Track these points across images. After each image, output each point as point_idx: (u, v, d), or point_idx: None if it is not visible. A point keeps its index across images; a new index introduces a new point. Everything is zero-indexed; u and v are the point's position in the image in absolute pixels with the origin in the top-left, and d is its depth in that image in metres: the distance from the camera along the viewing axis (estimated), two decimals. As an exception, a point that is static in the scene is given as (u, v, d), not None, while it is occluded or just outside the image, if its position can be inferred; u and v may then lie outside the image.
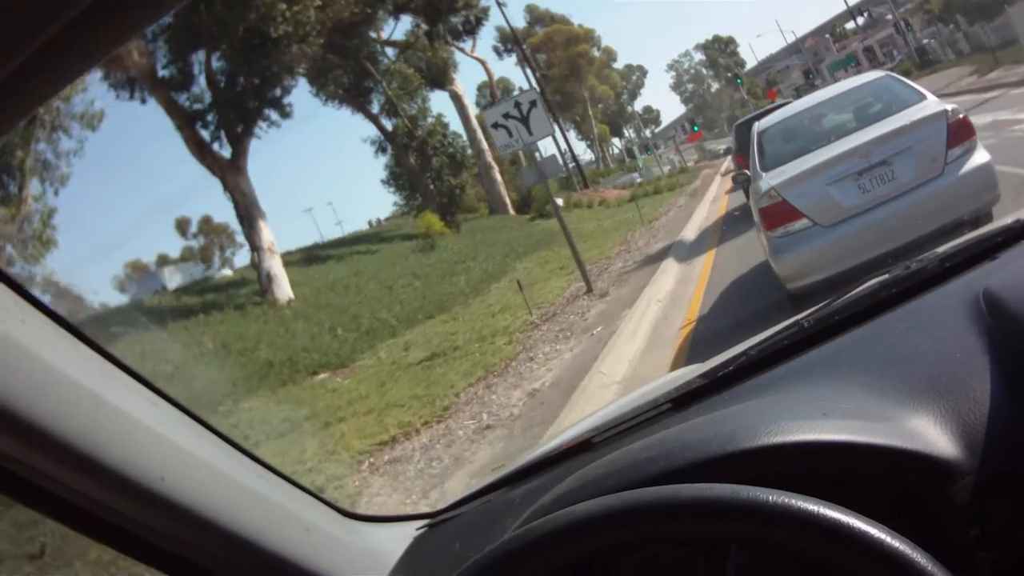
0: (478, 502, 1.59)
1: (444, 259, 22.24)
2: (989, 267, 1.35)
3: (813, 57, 74.91)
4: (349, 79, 29.30)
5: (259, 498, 1.26)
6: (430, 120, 30.44)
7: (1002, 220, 1.53)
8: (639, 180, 47.07)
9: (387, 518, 1.71)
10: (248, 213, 20.11)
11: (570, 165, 49.40)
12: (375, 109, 30.65)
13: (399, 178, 35.38)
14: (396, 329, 15.29)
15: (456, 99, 33.77)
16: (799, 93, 43.71)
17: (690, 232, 16.03)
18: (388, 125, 30.81)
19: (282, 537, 1.25)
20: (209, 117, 21.23)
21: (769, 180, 6.41)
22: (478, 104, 54.43)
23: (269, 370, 13.62)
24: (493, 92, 46.79)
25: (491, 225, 29.92)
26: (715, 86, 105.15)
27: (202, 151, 20.73)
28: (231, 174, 20.49)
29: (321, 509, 1.45)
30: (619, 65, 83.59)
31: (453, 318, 14.58)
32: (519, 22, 65.63)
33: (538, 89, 43.68)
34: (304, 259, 26.95)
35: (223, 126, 20.98)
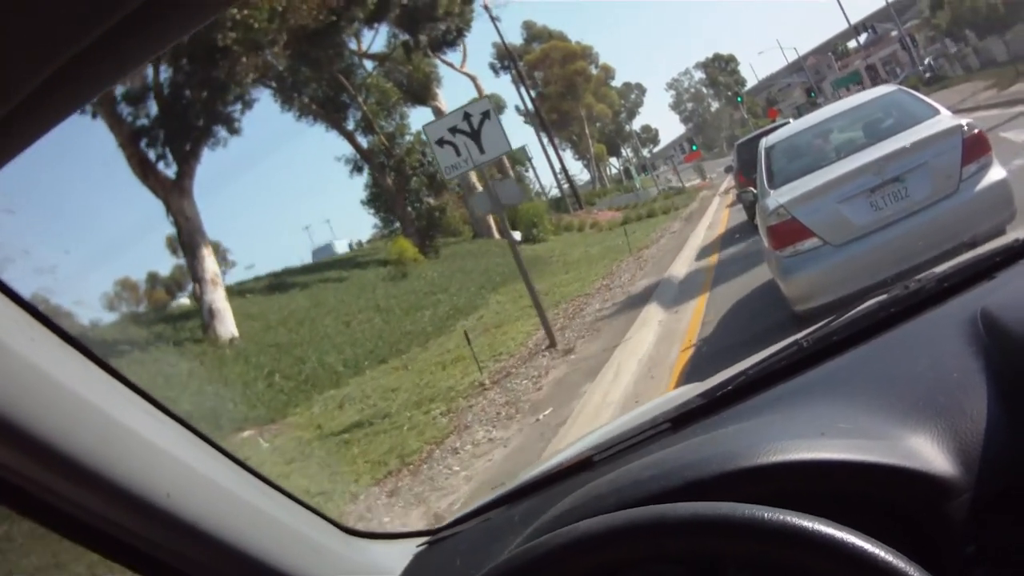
0: (478, 520, 1.57)
1: (414, 290, 20.22)
2: (987, 287, 1.35)
3: (815, 75, 73.57)
4: (322, 93, 27.35)
5: (262, 514, 1.26)
6: (409, 138, 28.35)
7: (1000, 240, 1.54)
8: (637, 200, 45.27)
9: (388, 535, 1.71)
10: (191, 240, 18.07)
11: (564, 185, 47.58)
12: (352, 126, 28.64)
13: (379, 199, 33.36)
14: (341, 377, 13.36)
15: (439, 116, 31.76)
16: (800, 112, 42.39)
17: (680, 267, 13.88)
18: (365, 143, 28.81)
19: (285, 553, 1.25)
20: (155, 134, 19.31)
21: (778, 197, 6.14)
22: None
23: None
24: (483, 109, 44.88)
25: (472, 250, 27.88)
26: (715, 105, 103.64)
27: (144, 170, 18.74)
28: (175, 196, 18.48)
29: (323, 526, 1.44)
30: (617, 83, 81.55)
31: (404, 366, 12.64)
32: (516, 39, 64.18)
33: (532, 108, 41.67)
34: (268, 287, 24.91)
35: (168, 143, 19.02)
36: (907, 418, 1.07)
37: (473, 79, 42.71)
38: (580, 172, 75.93)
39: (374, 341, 15.33)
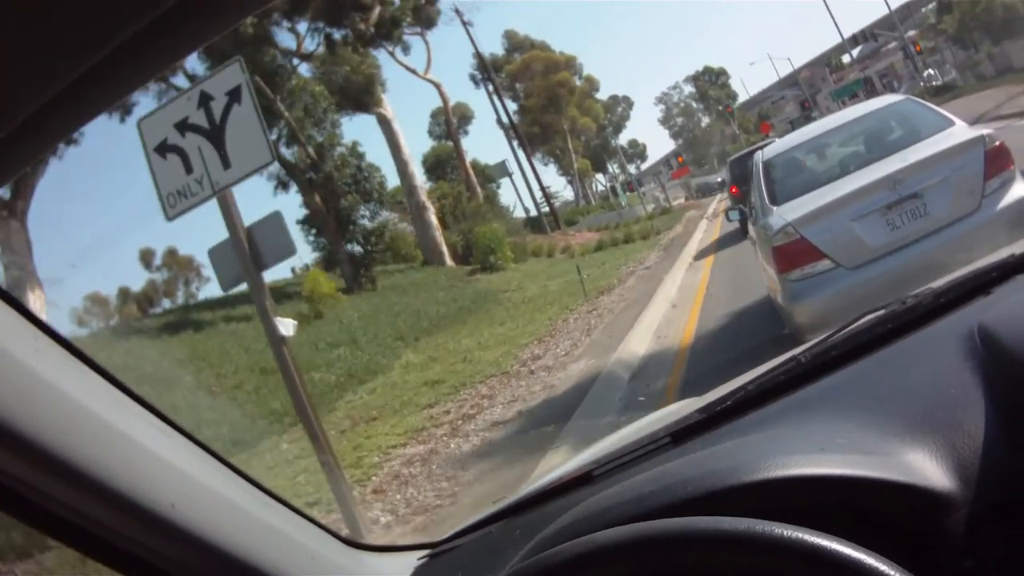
0: (478, 533, 1.57)
1: (317, 339, 16.05)
2: (983, 302, 1.35)
3: (810, 89, 70.27)
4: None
5: (266, 526, 1.25)
6: (341, 149, 24.11)
7: (996, 255, 1.51)
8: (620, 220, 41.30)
9: (389, 548, 1.71)
10: (17, 282, 13.85)
11: (540, 203, 43.52)
12: (275, 136, 24.38)
13: (315, 220, 29.10)
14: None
15: (384, 124, 27.55)
16: (793, 126, 39.23)
17: (638, 340, 9.57)
18: (291, 155, 24.54)
19: (288, 565, 1.24)
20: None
21: (784, 215, 5.68)
22: (431, 134, 48.37)
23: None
24: (448, 120, 40.71)
25: (416, 281, 23.69)
26: (705, 120, 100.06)
27: (-32, 187, 14.53)
28: (0, 223, 14.31)
29: (325, 538, 1.43)
30: (603, 95, 77.52)
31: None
32: (497, 49, 60.58)
33: (508, 120, 37.17)
34: (163, 327, 20.75)
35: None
36: (905, 433, 1.07)
37: (437, 86, 38.58)
38: (564, 188, 72.23)
39: (223, 424, 11.23)
